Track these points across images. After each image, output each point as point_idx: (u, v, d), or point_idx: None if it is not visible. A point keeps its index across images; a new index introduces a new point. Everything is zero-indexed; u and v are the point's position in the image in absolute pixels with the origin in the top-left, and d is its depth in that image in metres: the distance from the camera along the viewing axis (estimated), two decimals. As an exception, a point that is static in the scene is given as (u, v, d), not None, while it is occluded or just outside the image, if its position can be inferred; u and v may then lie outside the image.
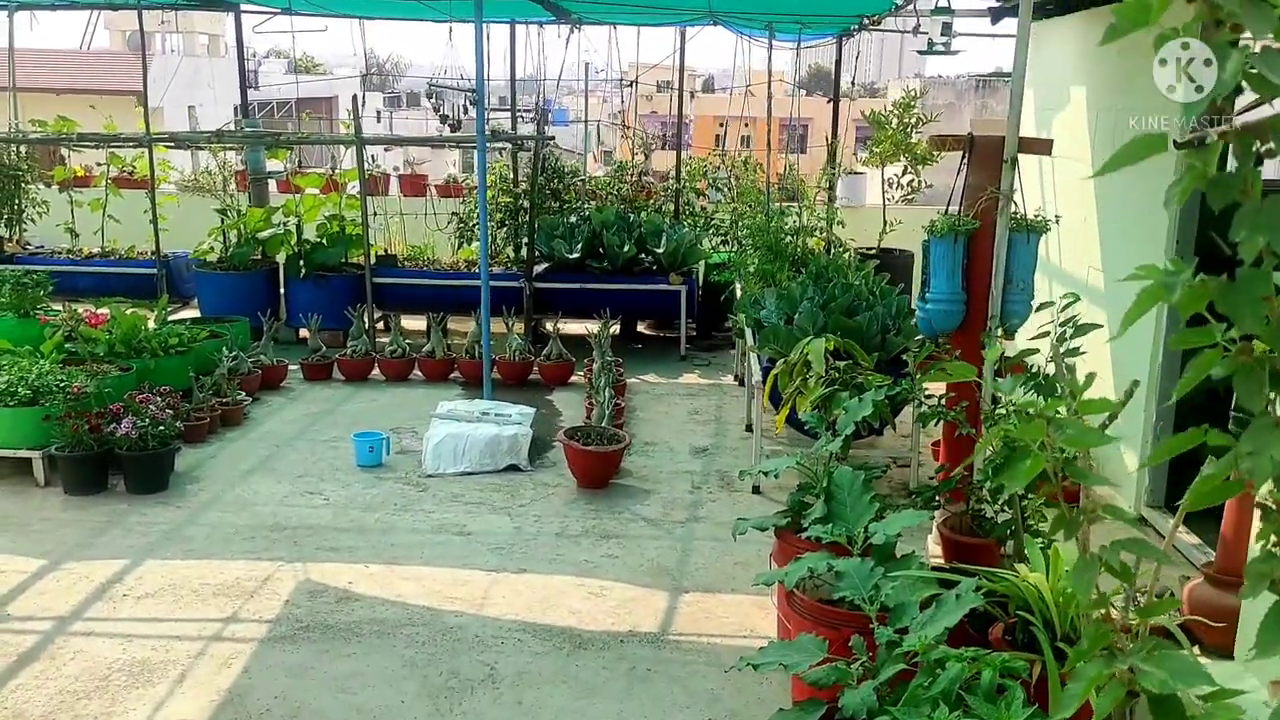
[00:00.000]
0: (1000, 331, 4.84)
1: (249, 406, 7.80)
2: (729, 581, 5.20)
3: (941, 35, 7.41)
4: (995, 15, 8.05)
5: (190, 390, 7.43)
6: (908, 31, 9.84)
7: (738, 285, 8.79)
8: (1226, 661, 4.02)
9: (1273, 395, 1.31)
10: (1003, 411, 4.33)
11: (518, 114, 11.60)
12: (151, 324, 8.05)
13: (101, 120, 11.47)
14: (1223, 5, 1.07)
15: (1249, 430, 1.26)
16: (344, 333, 9.19)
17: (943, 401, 4.85)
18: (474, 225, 10.62)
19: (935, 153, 9.62)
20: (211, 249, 10.32)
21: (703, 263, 10.28)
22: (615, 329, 9.35)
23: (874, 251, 10.11)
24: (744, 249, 9.27)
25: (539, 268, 9.82)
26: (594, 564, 5.38)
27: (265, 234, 10.10)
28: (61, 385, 6.37)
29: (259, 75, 24.66)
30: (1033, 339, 4.00)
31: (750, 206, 10.13)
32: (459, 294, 9.71)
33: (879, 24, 10.17)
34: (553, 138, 11.15)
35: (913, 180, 10.48)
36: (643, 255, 9.86)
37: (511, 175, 10.70)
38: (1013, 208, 4.71)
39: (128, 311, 7.90)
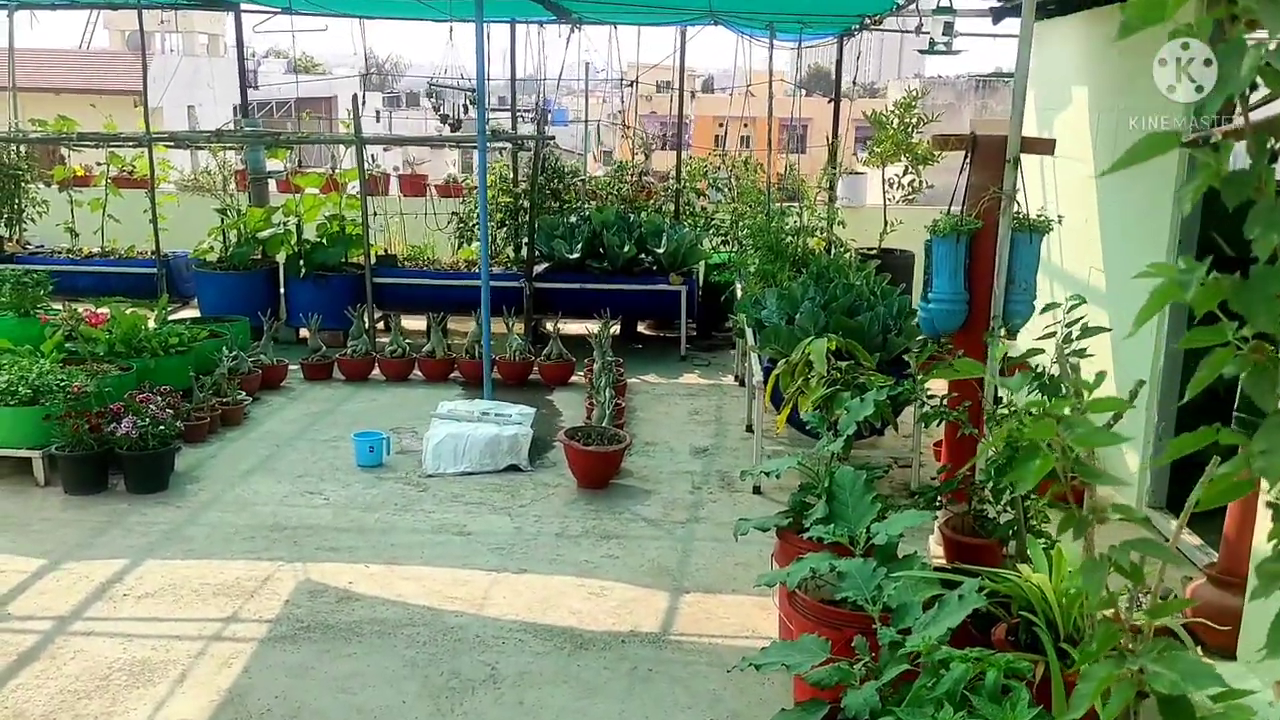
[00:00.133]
0: (1003, 331, 4.83)
1: (249, 406, 7.79)
2: (730, 582, 5.19)
3: (943, 35, 7.40)
4: (996, 15, 8.04)
5: (190, 390, 7.42)
6: (909, 31, 9.83)
7: (738, 285, 8.79)
8: (1229, 662, 4.01)
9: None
10: (1005, 411, 4.33)
11: (518, 114, 11.59)
12: (151, 324, 8.04)
13: (101, 120, 11.46)
14: (1240, 1, 1.06)
15: (1261, 429, 1.25)
16: (344, 333, 9.18)
17: (945, 402, 4.84)
18: (474, 225, 10.61)
19: (936, 152, 9.62)
20: (211, 249, 10.32)
21: (703, 263, 10.28)
22: (615, 329, 9.35)
23: (875, 251, 10.11)
24: (744, 249, 9.27)
25: (539, 268, 9.81)
26: (595, 564, 5.37)
27: (265, 234, 10.09)
28: (62, 385, 6.36)
29: (258, 75, 24.65)
30: (1039, 339, 3.99)
31: (750, 207, 10.12)
32: (459, 294, 9.70)
33: (880, 24, 10.16)
34: (553, 137, 11.14)
35: (913, 180, 10.47)
36: (643, 255, 9.85)
37: (511, 175, 10.69)
38: (1015, 208, 4.70)
39: (128, 311, 7.89)
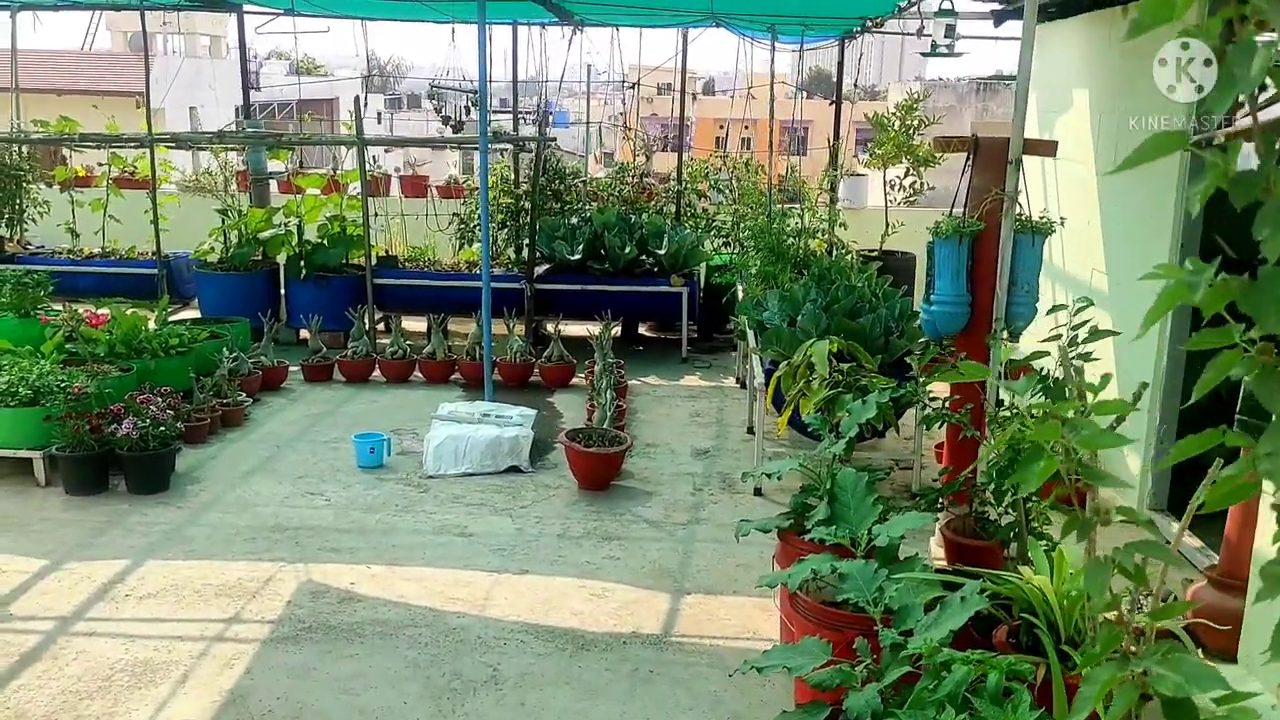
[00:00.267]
0: (1005, 334, 4.83)
1: (249, 407, 7.79)
2: (731, 583, 5.19)
3: (945, 37, 7.40)
4: (998, 18, 8.06)
5: (191, 391, 7.42)
6: (910, 34, 9.84)
7: (739, 287, 8.78)
8: (1230, 665, 4.01)
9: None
10: (1007, 414, 4.33)
11: (519, 116, 11.59)
12: (152, 324, 8.04)
13: (103, 121, 11.46)
14: (1250, 1, 1.06)
15: (1268, 431, 1.25)
16: (344, 334, 9.18)
17: (946, 404, 4.84)
18: (475, 226, 10.61)
19: (938, 154, 9.62)
20: (212, 249, 10.32)
21: (704, 265, 10.27)
22: (616, 331, 9.35)
23: (876, 253, 10.11)
24: (746, 251, 9.27)
25: (540, 269, 9.81)
26: (596, 565, 5.37)
27: (266, 235, 10.09)
28: (62, 385, 6.36)
29: (260, 76, 24.64)
30: (1045, 341, 3.99)
31: (752, 208, 10.12)
32: (460, 295, 9.70)
33: (881, 26, 10.17)
34: (554, 139, 11.15)
35: (915, 182, 10.47)
36: (644, 257, 9.85)
37: (513, 176, 10.70)
38: (1017, 210, 4.70)
39: (128, 312, 7.89)
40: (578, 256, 9.74)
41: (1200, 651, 4.02)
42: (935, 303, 5.05)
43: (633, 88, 14.43)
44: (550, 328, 9.04)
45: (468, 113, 13.28)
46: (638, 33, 12.78)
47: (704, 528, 5.89)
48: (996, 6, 7.93)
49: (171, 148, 11.25)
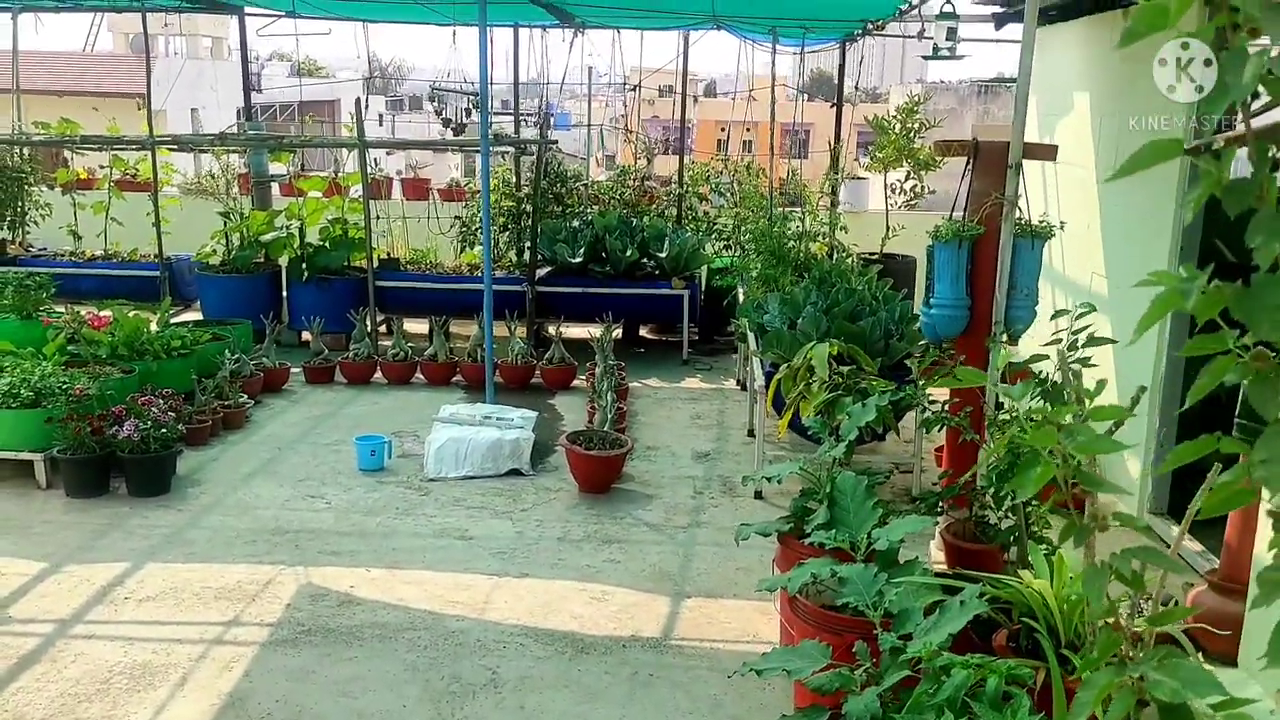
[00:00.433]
0: (1004, 337, 4.83)
1: (251, 409, 7.80)
2: (731, 587, 5.19)
3: (947, 40, 7.40)
4: (999, 20, 8.06)
5: (192, 393, 7.43)
6: (911, 37, 9.84)
7: (740, 290, 8.78)
8: (1230, 669, 4.01)
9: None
10: (1006, 418, 4.33)
11: (520, 118, 11.59)
12: (154, 326, 8.05)
13: (105, 122, 11.47)
14: (1242, 9, 1.06)
15: (1263, 438, 1.25)
16: (346, 336, 9.18)
17: (946, 407, 4.84)
18: (476, 229, 10.61)
19: (939, 158, 9.61)
20: (214, 252, 10.33)
21: (705, 267, 10.28)
22: (617, 333, 9.34)
23: (877, 256, 10.11)
24: (746, 254, 9.27)
25: (541, 271, 9.82)
26: (596, 569, 5.37)
27: (268, 237, 10.10)
28: (64, 387, 6.36)
29: (262, 78, 24.66)
30: (1046, 345, 3.99)
31: (753, 211, 10.12)
32: (461, 298, 9.70)
33: (883, 29, 10.17)
34: (555, 142, 11.15)
35: (915, 185, 10.47)
36: (645, 260, 9.85)
37: (514, 179, 10.70)
38: (1017, 213, 4.70)
39: (130, 314, 7.90)
40: (579, 259, 9.74)
41: (1201, 655, 4.01)
42: (935, 306, 5.05)
43: (634, 90, 14.43)
44: (551, 330, 9.04)
45: (469, 115, 13.28)
46: (639, 35, 12.79)
47: (704, 531, 5.89)
48: (997, 9, 7.94)
49: (173, 150, 11.24)
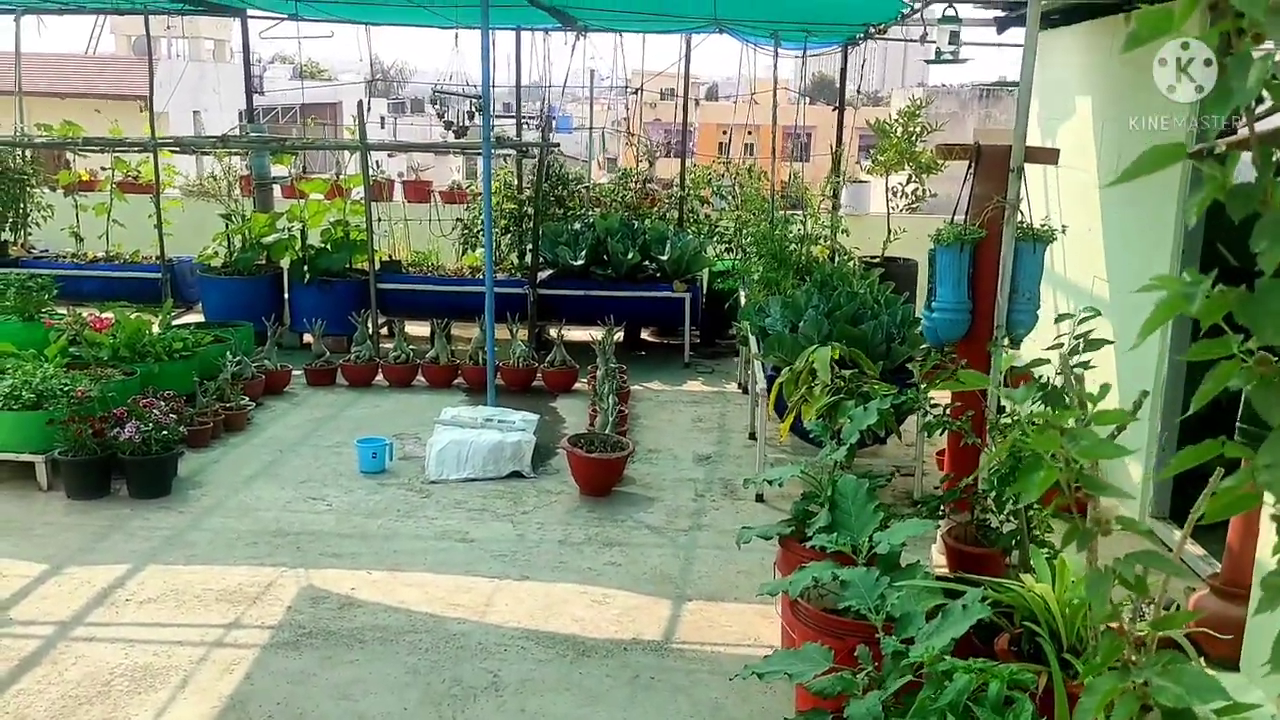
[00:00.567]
0: (1006, 341, 4.83)
1: (252, 411, 7.80)
2: (732, 590, 5.19)
3: (949, 44, 7.41)
4: (1001, 25, 8.06)
5: (194, 395, 7.43)
6: (913, 40, 9.84)
7: (742, 293, 8.78)
8: (1232, 674, 4.00)
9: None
10: (1008, 421, 4.33)
11: (522, 121, 11.60)
12: (156, 328, 8.05)
13: (107, 124, 11.48)
14: (1246, 14, 1.06)
15: (1267, 443, 1.25)
16: (347, 338, 9.19)
17: (948, 411, 4.84)
18: (478, 231, 10.62)
19: (940, 161, 9.61)
20: (216, 254, 10.34)
21: (706, 270, 10.28)
22: (619, 336, 9.35)
23: (878, 260, 10.10)
24: (748, 257, 9.27)
25: (543, 274, 9.82)
26: (597, 572, 5.37)
27: (270, 239, 10.11)
28: (65, 389, 6.37)
29: (264, 80, 24.69)
30: (1047, 350, 3.99)
31: (754, 214, 10.12)
32: (463, 300, 9.70)
33: (885, 32, 10.17)
34: (558, 144, 11.15)
35: (917, 189, 10.47)
36: (647, 262, 9.86)
37: (516, 182, 10.71)
38: (1019, 217, 4.70)
39: (132, 316, 7.90)
40: (580, 262, 9.75)
41: (1203, 660, 4.01)
42: (937, 310, 5.05)
43: (636, 93, 14.44)
44: (553, 333, 9.04)
45: (471, 118, 13.30)
46: (641, 38, 12.79)
47: (705, 534, 5.89)
48: (999, 13, 7.94)
49: (175, 152, 11.25)
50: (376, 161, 11.59)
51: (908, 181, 10.46)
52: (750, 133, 16.56)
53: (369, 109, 10.77)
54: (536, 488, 6.54)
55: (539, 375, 8.74)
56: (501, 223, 10.46)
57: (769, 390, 6.28)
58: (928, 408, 4.90)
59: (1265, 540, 3.83)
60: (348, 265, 10.03)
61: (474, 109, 13.12)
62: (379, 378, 8.87)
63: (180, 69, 21.14)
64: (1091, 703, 1.49)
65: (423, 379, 8.87)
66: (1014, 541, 4.36)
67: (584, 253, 9.77)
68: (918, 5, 7.43)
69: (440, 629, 4.73)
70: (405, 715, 4.05)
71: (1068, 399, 3.67)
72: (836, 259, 9.53)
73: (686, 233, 10.56)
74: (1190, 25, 1.21)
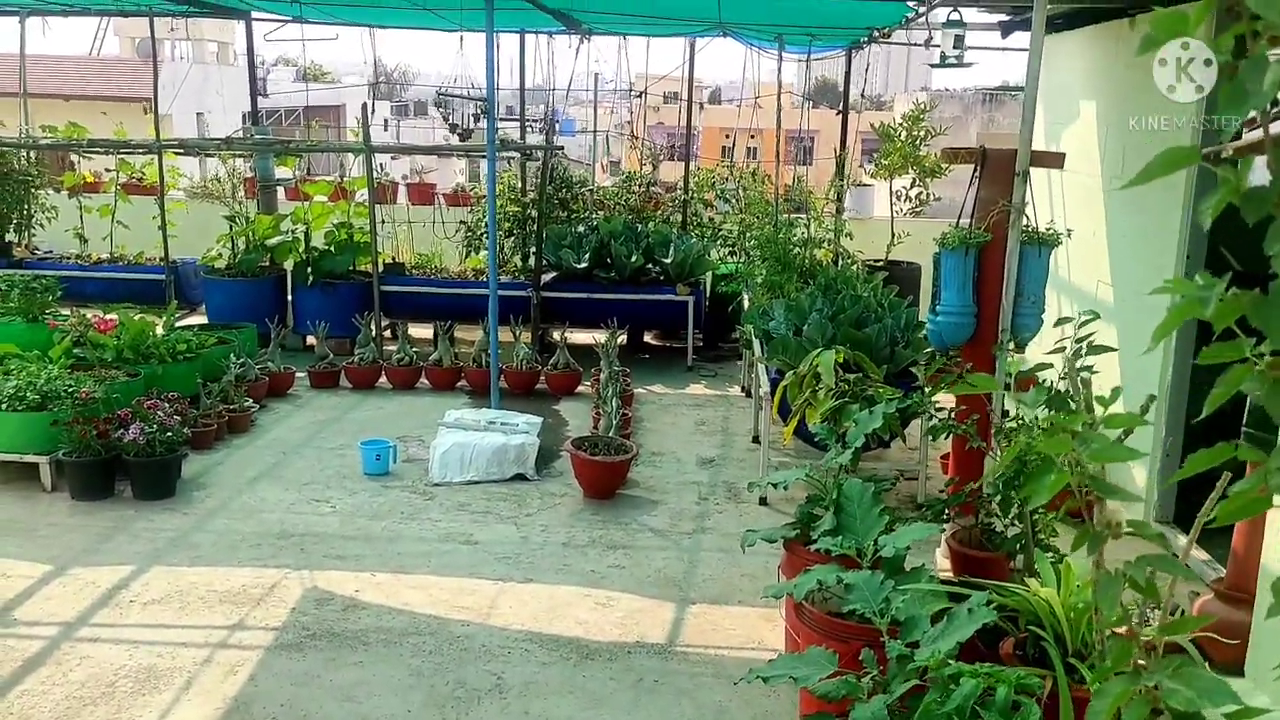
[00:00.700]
0: (1011, 345, 4.83)
1: (256, 413, 7.80)
2: (736, 593, 5.18)
3: (954, 48, 7.41)
4: (1005, 29, 8.06)
5: (198, 396, 7.43)
6: (918, 44, 9.84)
7: (745, 296, 8.78)
8: (1237, 679, 4.00)
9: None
10: (1013, 425, 4.32)
11: (526, 124, 11.61)
12: (160, 330, 8.06)
13: (111, 126, 11.49)
14: (1263, 17, 1.06)
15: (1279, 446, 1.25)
16: (351, 340, 9.19)
17: (953, 415, 4.83)
18: (482, 234, 10.63)
19: (944, 165, 9.62)
20: (220, 255, 10.34)
21: (710, 273, 10.28)
22: (622, 339, 9.35)
23: (882, 263, 10.11)
24: (752, 260, 9.27)
25: (546, 277, 9.82)
26: (601, 574, 5.37)
27: (273, 241, 10.12)
28: (70, 390, 6.37)
29: (267, 83, 24.73)
30: (1049, 354, 3.99)
31: (758, 218, 10.13)
32: (466, 303, 9.70)
33: (889, 36, 10.18)
34: (561, 147, 11.16)
35: (921, 193, 10.47)
36: (650, 265, 9.86)
37: (520, 185, 10.71)
38: (1024, 221, 4.70)
39: (136, 317, 7.91)
40: (584, 265, 9.75)
41: (1207, 665, 4.00)
42: (941, 313, 5.05)
43: (639, 96, 14.45)
44: (556, 335, 9.04)
45: (476, 120, 13.31)
46: (645, 42, 12.80)
47: (709, 537, 5.89)
48: (1004, 18, 7.94)
49: (180, 154, 11.27)
50: (380, 164, 11.58)
51: (911, 185, 10.46)
52: (753, 136, 16.55)
53: (373, 112, 10.77)
54: (540, 490, 6.54)
55: (542, 378, 8.74)
56: (505, 225, 10.46)
57: (773, 393, 6.27)
58: (932, 411, 4.89)
59: (1271, 544, 3.82)
60: (351, 267, 10.03)
61: (479, 112, 13.13)
62: (382, 380, 8.87)
63: (184, 71, 21.18)
64: (1103, 706, 1.49)
65: (426, 381, 8.87)
66: (1019, 546, 4.36)
67: (587, 256, 9.77)
68: (922, 9, 7.43)
69: (444, 631, 4.73)
70: (409, 717, 4.05)
71: (1073, 403, 3.67)
72: (840, 263, 9.54)
73: (690, 236, 10.56)
74: (1203, 28, 1.21)
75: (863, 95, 11.99)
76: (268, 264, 10.19)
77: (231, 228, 10.30)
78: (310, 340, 9.34)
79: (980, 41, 8.78)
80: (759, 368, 7.21)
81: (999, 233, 4.83)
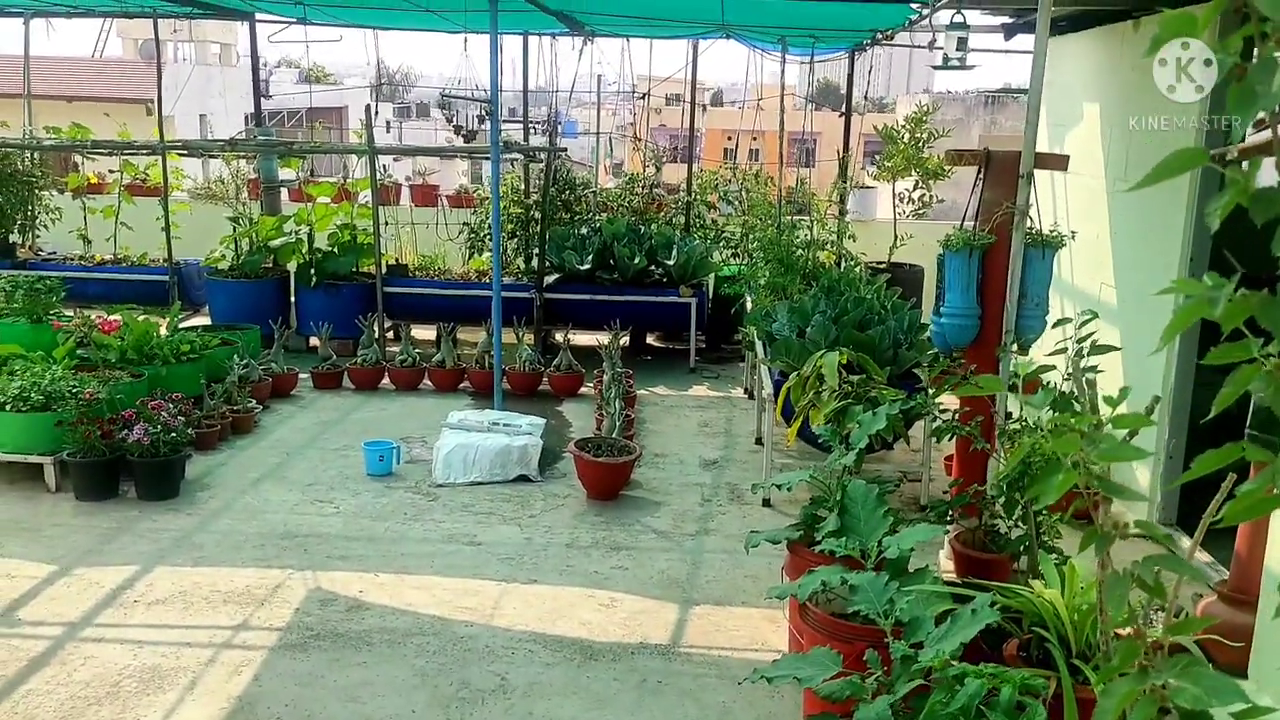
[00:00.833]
0: (1015, 347, 4.83)
1: (259, 414, 7.81)
2: (739, 594, 5.19)
3: (957, 50, 7.42)
4: (1009, 31, 8.07)
5: (201, 397, 7.44)
6: (921, 46, 9.85)
7: (748, 298, 8.79)
8: (1240, 680, 4.00)
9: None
10: (1017, 427, 4.33)
11: (529, 125, 11.62)
12: (163, 331, 8.07)
13: (114, 128, 11.51)
14: (1272, 18, 1.07)
15: (1288, 446, 1.25)
16: (354, 341, 9.20)
17: (956, 416, 4.84)
18: (485, 236, 10.64)
19: (947, 167, 9.62)
20: (223, 257, 10.36)
21: (713, 275, 10.29)
22: (625, 341, 9.36)
23: (885, 266, 10.11)
24: (754, 262, 9.28)
25: (550, 279, 9.83)
26: (604, 575, 5.37)
27: (277, 242, 10.13)
28: (74, 391, 6.38)
29: (270, 84, 24.76)
30: (1050, 355, 3.99)
31: (761, 220, 10.13)
32: (469, 304, 9.71)
33: (892, 39, 10.18)
34: (565, 149, 11.17)
35: (923, 195, 10.48)
36: (653, 267, 9.87)
37: (523, 186, 10.72)
38: (1028, 223, 4.71)
39: (140, 318, 7.92)
40: (587, 266, 9.76)
41: (1210, 667, 4.00)
42: (945, 315, 5.06)
43: (642, 98, 14.46)
44: (559, 337, 9.05)
45: (482, 122, 13.33)
46: (648, 44, 12.80)
47: (712, 539, 5.89)
48: (1007, 20, 7.95)
49: (183, 155, 11.29)
50: (383, 165, 11.60)
51: (914, 187, 10.47)
52: (755, 138, 16.57)
53: (376, 113, 10.79)
54: (543, 491, 6.55)
55: (545, 379, 8.75)
56: (508, 227, 10.48)
57: (776, 395, 6.28)
58: (936, 413, 4.90)
59: (1276, 548, 3.83)
60: (354, 269, 10.05)
61: (483, 113, 13.14)
62: (385, 381, 8.87)
63: (186, 73, 21.21)
64: (1110, 705, 1.49)
65: (429, 383, 8.87)
66: (1022, 547, 4.36)
67: (590, 257, 9.78)
68: (925, 11, 7.44)
69: (448, 632, 4.73)
70: (413, 718, 4.05)
71: (1077, 404, 3.68)
72: (843, 264, 9.54)
73: (693, 238, 10.57)
74: (1211, 29, 1.22)
75: (865, 98, 12.00)
76: (271, 265, 10.20)
77: (235, 229, 10.32)
78: (313, 341, 9.35)
79: (983, 44, 8.79)
80: (762, 369, 7.22)
81: (1003, 235, 4.84)
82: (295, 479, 6.64)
